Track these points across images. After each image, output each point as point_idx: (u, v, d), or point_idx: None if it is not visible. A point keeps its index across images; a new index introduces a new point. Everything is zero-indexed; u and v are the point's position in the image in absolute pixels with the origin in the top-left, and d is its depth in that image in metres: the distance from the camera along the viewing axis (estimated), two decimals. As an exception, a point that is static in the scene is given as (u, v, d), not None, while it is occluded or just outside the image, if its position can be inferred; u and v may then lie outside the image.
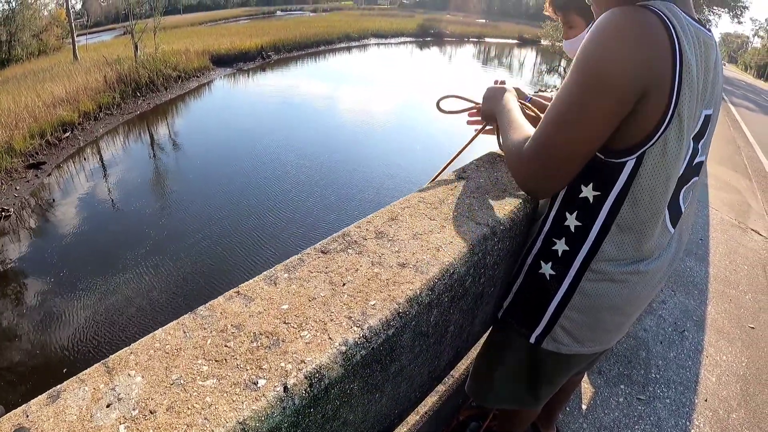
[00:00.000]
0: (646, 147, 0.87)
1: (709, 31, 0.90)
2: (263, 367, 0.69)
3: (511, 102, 1.28)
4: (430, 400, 1.75)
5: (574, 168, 0.95)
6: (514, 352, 1.30)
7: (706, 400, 2.29)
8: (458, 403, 2.01)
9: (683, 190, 0.99)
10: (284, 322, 0.76)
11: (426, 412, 1.72)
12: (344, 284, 0.84)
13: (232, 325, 0.77)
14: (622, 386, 2.35)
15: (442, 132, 12.17)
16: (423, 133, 12.64)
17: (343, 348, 0.72)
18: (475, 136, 1.47)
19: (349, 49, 25.43)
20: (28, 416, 0.63)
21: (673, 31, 0.80)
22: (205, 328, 0.76)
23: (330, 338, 0.73)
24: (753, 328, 2.91)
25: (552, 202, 1.10)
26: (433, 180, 1.34)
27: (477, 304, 1.19)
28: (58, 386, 0.68)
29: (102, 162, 10.82)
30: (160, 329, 0.77)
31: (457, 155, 1.44)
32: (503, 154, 1.19)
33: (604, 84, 0.82)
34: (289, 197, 9.03)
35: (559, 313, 1.11)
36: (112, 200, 9.27)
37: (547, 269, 1.12)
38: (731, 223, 4.46)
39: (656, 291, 1.16)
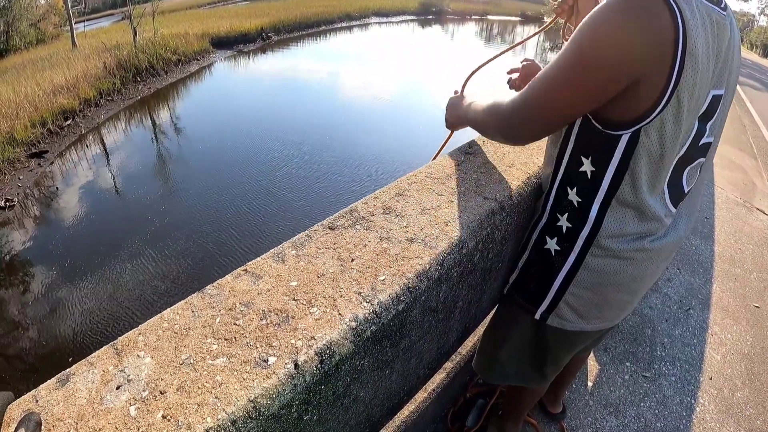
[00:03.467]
0: (641, 124, 0.85)
1: (724, 9, 0.87)
2: (273, 344, 0.68)
3: (462, 104, 1.28)
4: (438, 377, 1.76)
5: (554, 122, 0.96)
6: (520, 328, 1.29)
7: (711, 378, 2.29)
8: (465, 380, 2.02)
9: (687, 170, 0.97)
10: (293, 299, 0.75)
11: (434, 389, 1.73)
12: (353, 260, 0.83)
13: (240, 303, 0.76)
14: (627, 363, 2.35)
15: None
16: (426, 111, 12.52)
17: (354, 324, 0.72)
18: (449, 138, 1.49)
19: (350, 28, 25.10)
20: (37, 401, 0.63)
21: (678, 13, 0.77)
22: (213, 307, 0.75)
23: (340, 314, 0.72)
24: (758, 307, 2.89)
25: (554, 177, 1.08)
26: (434, 158, 1.33)
27: (485, 280, 1.18)
28: (67, 370, 0.67)
29: (104, 148, 10.79)
30: (168, 309, 0.76)
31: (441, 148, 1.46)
32: (482, 132, 1.16)
33: (595, 63, 0.82)
34: (292, 177, 9.00)
35: (564, 289, 1.10)
36: (115, 187, 9.27)
37: (552, 245, 1.10)
38: (736, 201, 4.42)
39: (661, 270, 1.15)
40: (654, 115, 0.83)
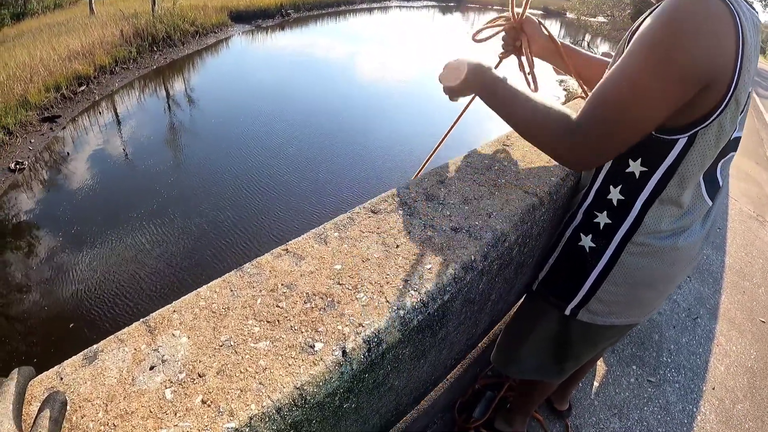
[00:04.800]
0: (700, 127, 0.85)
1: (756, 11, 0.88)
2: (319, 329, 0.66)
3: (493, 72, 1.09)
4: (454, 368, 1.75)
5: (627, 145, 0.89)
6: (547, 323, 1.30)
7: (713, 389, 2.29)
8: (476, 372, 2.02)
9: (720, 164, 0.98)
10: (338, 283, 0.73)
11: (447, 379, 1.73)
12: (398, 246, 0.81)
13: (282, 284, 0.73)
14: (633, 367, 2.36)
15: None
16: (443, 101, 12.41)
17: (402, 312, 0.70)
18: (464, 110, 1.36)
19: (370, 10, 24.81)
20: (62, 379, 0.59)
21: (738, 19, 0.77)
22: (253, 287, 0.73)
23: (387, 301, 0.70)
24: (764, 322, 2.89)
25: (595, 176, 1.08)
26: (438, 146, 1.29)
27: (517, 274, 1.17)
28: (95, 346, 0.63)
29: (117, 116, 10.77)
30: (204, 287, 0.73)
31: (451, 128, 1.35)
32: (518, 128, 1.00)
33: (673, 72, 0.79)
34: (304, 158, 8.95)
35: (598, 285, 1.11)
36: (126, 154, 9.25)
37: (587, 242, 1.10)
38: (749, 214, 4.39)
39: (689, 270, 1.15)
40: (714, 117, 0.84)
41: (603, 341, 1.29)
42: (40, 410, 0.51)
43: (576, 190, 1.21)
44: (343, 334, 0.66)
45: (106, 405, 0.55)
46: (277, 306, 0.70)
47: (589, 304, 1.14)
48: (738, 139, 0.97)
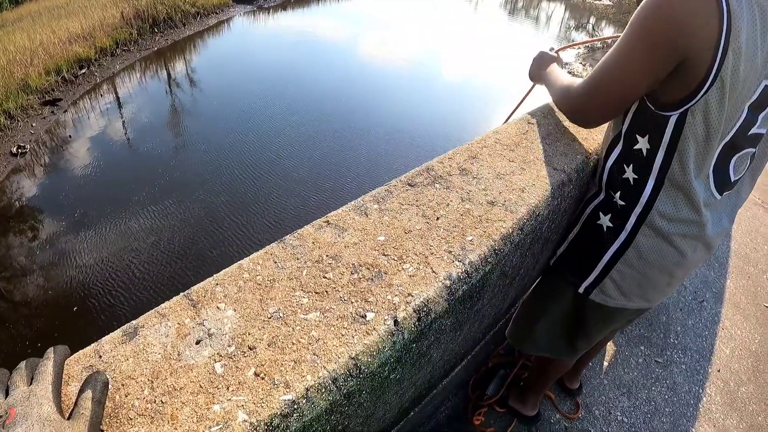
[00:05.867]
0: (688, 105, 0.88)
1: None
2: (369, 299, 0.66)
3: (557, 66, 1.36)
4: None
5: (615, 105, 1.01)
6: (561, 300, 1.32)
7: (719, 371, 2.33)
8: (489, 349, 2.04)
9: (734, 159, 0.99)
10: (383, 254, 0.74)
11: (463, 356, 1.75)
12: (438, 218, 0.82)
13: (327, 255, 0.74)
14: (641, 347, 2.39)
15: (464, 86, 11.84)
16: (451, 85, 12.27)
17: (448, 282, 0.71)
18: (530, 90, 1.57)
19: (373, -10, 24.55)
20: (101, 356, 0.57)
21: (724, 1, 0.79)
22: (297, 258, 0.72)
23: (434, 272, 0.71)
24: (768, 307, 2.92)
25: (611, 155, 1.09)
26: (513, 111, 1.41)
27: (543, 250, 1.18)
28: (133, 322, 0.62)
29: (118, 98, 10.69)
30: (246, 258, 0.72)
31: (520, 104, 1.56)
32: (555, 103, 1.24)
33: (649, 41, 0.87)
34: (307, 140, 8.90)
35: (612, 265, 1.13)
36: (127, 137, 9.21)
37: (605, 221, 1.12)
38: (755, 201, 4.39)
39: (704, 260, 1.17)
40: (699, 96, 0.86)
41: (614, 323, 1.32)
42: (81, 391, 0.49)
43: (596, 169, 1.23)
44: (394, 304, 0.66)
45: (152, 382, 0.54)
46: (324, 277, 0.70)
47: (603, 284, 1.16)
48: (759, 135, 0.97)
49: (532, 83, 1.48)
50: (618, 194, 1.08)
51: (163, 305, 0.64)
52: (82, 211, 7.01)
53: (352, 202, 0.85)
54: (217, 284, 0.68)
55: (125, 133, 9.35)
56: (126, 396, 0.52)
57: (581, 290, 1.20)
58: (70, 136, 9.02)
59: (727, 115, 0.88)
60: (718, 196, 1.03)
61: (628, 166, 1.04)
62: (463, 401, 1.94)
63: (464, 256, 0.74)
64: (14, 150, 8.15)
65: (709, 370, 2.33)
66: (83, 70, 10.88)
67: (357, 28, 17.23)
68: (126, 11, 12.94)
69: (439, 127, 9.57)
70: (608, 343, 2.37)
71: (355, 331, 0.62)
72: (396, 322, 0.64)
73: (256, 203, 7.05)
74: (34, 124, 9.00)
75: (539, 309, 1.42)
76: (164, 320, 0.61)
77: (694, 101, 0.87)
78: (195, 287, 0.67)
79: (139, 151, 8.65)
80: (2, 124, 8.47)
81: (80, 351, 0.58)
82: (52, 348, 0.53)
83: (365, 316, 0.64)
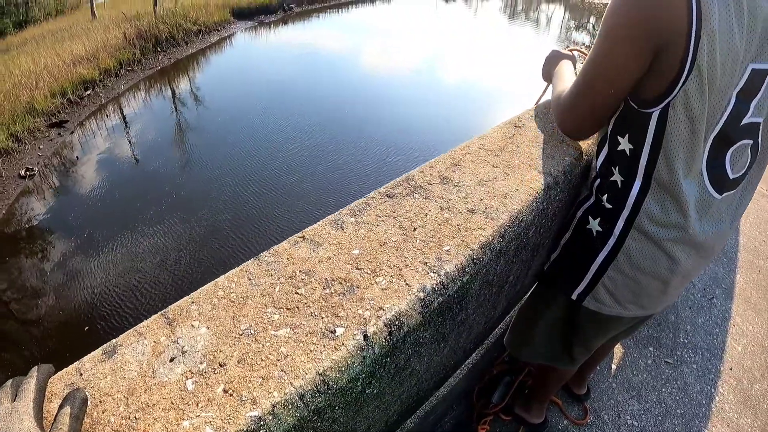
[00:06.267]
0: (668, 99, 0.85)
1: None
2: (340, 314, 0.66)
3: (566, 65, 1.33)
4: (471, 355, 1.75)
5: (601, 112, 0.99)
6: (555, 307, 1.29)
7: (731, 369, 2.27)
8: (493, 356, 2.01)
9: (729, 153, 0.93)
10: (357, 268, 0.73)
11: (465, 365, 1.72)
12: (415, 229, 0.81)
13: (300, 271, 0.73)
14: (650, 348, 2.35)
15: (469, 91, 11.83)
16: (447, 92, 12.30)
17: (422, 294, 0.69)
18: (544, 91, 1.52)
19: (372, 0, 24.69)
20: (81, 374, 0.59)
21: None
22: (271, 275, 0.72)
23: (407, 284, 0.70)
24: (780, 301, 2.86)
25: (599, 156, 1.07)
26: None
27: (533, 256, 1.16)
28: (114, 340, 0.63)
29: (124, 118, 10.83)
30: (222, 276, 0.73)
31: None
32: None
33: (623, 34, 0.85)
34: (311, 153, 8.93)
35: (603, 271, 1.09)
36: (134, 157, 9.30)
37: (594, 225, 1.08)
38: (762, 193, 4.32)
39: (703, 265, 1.12)
40: (678, 88, 0.82)
41: (612, 331, 1.27)
42: (61, 407, 0.51)
43: (589, 170, 1.21)
44: (364, 318, 0.65)
45: (127, 399, 0.55)
46: (296, 293, 0.70)
47: (595, 291, 1.12)
48: (755, 125, 0.91)
49: (546, 84, 1.45)
50: (605, 197, 1.05)
51: (141, 324, 0.66)
52: (90, 231, 7.08)
53: (330, 216, 0.84)
54: (192, 302, 0.68)
55: (132, 153, 9.45)
56: (103, 412, 0.54)
57: (574, 297, 1.17)
58: (77, 158, 9.13)
59: (711, 105, 0.84)
60: (718, 196, 0.97)
61: (614, 168, 1.01)
62: (467, 410, 1.92)
63: (440, 267, 0.73)
64: (23, 172, 8.26)
65: (721, 369, 2.28)
66: (88, 92, 11.04)
67: (357, 38, 17.36)
68: (128, 32, 13.13)
69: (446, 134, 9.55)
70: (616, 345, 2.33)
71: (324, 346, 0.61)
72: (366, 337, 0.63)
73: (260, 219, 7.08)
74: (41, 147, 9.12)
75: (535, 316, 1.39)
76: (141, 338, 0.63)
77: (673, 94, 0.83)
78: (172, 306, 0.68)
79: (146, 170, 8.73)
80: (10, 147, 8.59)
81: (63, 370, 0.59)
82: (36, 367, 0.56)
83: (335, 331, 0.63)
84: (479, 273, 0.80)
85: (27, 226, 7.42)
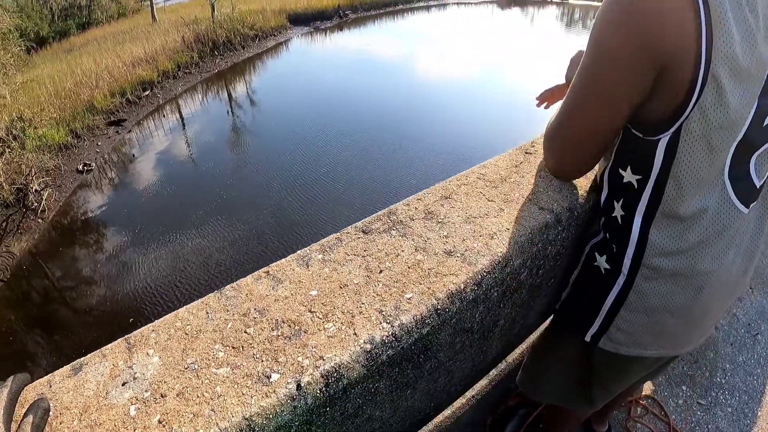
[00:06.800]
0: (680, 121, 0.74)
1: None
2: (279, 359, 0.64)
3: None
4: (479, 384, 1.67)
5: (594, 148, 0.88)
6: (568, 348, 1.18)
7: None
8: (509, 387, 1.92)
9: (754, 159, 0.81)
10: (310, 311, 0.70)
11: (473, 396, 1.65)
12: (381, 271, 0.76)
13: (255, 309, 0.71)
14: (683, 387, 2.18)
15: (520, 103, 11.55)
16: (503, 100, 12.04)
17: (368, 347, 0.65)
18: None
19: (428, 8, 24.59)
20: (51, 386, 0.63)
21: None
22: (228, 311, 0.72)
23: (355, 334, 0.66)
24: (832, 341, 2.61)
25: (601, 190, 0.98)
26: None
27: (533, 297, 1.08)
28: (82, 359, 0.67)
29: (180, 119, 11.25)
30: (184, 308, 0.74)
31: None
32: None
33: (613, 55, 0.74)
34: (363, 159, 8.95)
35: (615, 312, 0.98)
36: (189, 157, 9.63)
37: (602, 262, 0.99)
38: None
39: (734, 293, 0.99)
40: (691, 107, 0.71)
41: (634, 373, 1.15)
42: (25, 415, 0.56)
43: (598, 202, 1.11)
44: (302, 367, 0.63)
45: (81, 414, 0.59)
46: (245, 332, 0.69)
47: (610, 332, 1.02)
48: None
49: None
50: (608, 234, 0.96)
51: (107, 346, 0.69)
52: (140, 227, 7.36)
53: (299, 252, 0.81)
54: (153, 330, 0.71)
55: (185, 153, 9.79)
56: (60, 424, 0.58)
57: (588, 339, 1.07)
58: (133, 155, 9.54)
59: (733, 114, 0.72)
60: (745, 209, 0.85)
61: (618, 202, 0.92)
62: (478, 443, 1.84)
63: (395, 317, 0.68)
64: (80, 167, 8.70)
65: (759, 414, 2.09)
66: (146, 92, 11.54)
67: (411, 44, 17.35)
68: (187, 35, 13.64)
69: (500, 141, 9.32)
70: (647, 382, 2.19)
71: (256, 391, 0.61)
72: (299, 387, 0.61)
73: (302, 226, 7.16)
74: (99, 143, 9.59)
75: (548, 357, 1.30)
76: (104, 360, 0.66)
77: (685, 115, 0.73)
78: (135, 332, 0.71)
79: (198, 171, 9.01)
80: (69, 142, 9.07)
81: (37, 380, 0.64)
82: (12, 376, 0.61)
83: (270, 376, 0.62)
84: (446, 323, 0.74)
85: (82, 218, 7.81)
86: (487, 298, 0.82)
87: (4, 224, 7.02)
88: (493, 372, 1.73)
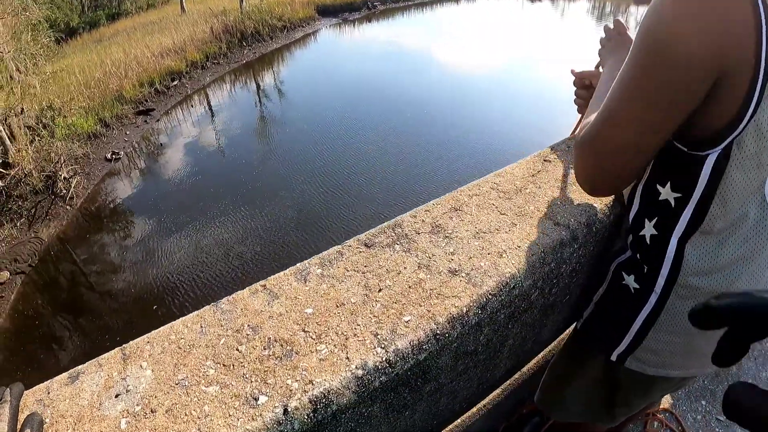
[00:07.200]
0: (732, 136, 0.67)
1: None
2: (268, 381, 0.62)
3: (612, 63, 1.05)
4: (492, 392, 1.63)
5: (635, 163, 0.77)
6: (591, 367, 1.14)
7: None
8: (523, 396, 1.87)
9: None
10: (303, 330, 0.67)
11: (484, 405, 1.61)
12: (380, 290, 0.72)
13: (248, 325, 0.69)
14: (703, 402, 2.10)
15: (551, 98, 11.29)
16: (534, 95, 11.74)
17: (360, 372, 0.62)
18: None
19: (457, 0, 24.38)
20: (49, 393, 0.64)
21: None
22: (222, 326, 0.70)
23: (348, 358, 0.63)
24: None
25: (630, 206, 0.91)
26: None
27: (546, 315, 1.03)
28: (79, 367, 0.67)
29: (208, 109, 11.35)
30: (179, 320, 0.73)
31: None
32: None
33: (668, 61, 0.64)
34: (389, 153, 8.89)
35: (645, 332, 0.93)
36: (216, 147, 9.70)
37: (630, 281, 0.93)
38: None
39: None
40: (746, 121, 0.65)
41: (658, 391, 1.11)
42: (23, 428, 0.57)
43: (622, 218, 1.05)
44: (290, 390, 0.61)
45: (75, 424, 0.59)
46: (237, 349, 0.67)
47: (637, 352, 0.97)
48: None
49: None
50: (639, 255, 0.89)
51: (103, 356, 0.69)
52: (165, 216, 7.47)
53: (297, 265, 0.78)
54: (148, 342, 0.70)
55: (212, 143, 9.87)
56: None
57: (613, 358, 1.02)
58: (161, 144, 9.67)
59: None
60: None
61: (650, 221, 0.85)
62: (488, 451, 1.80)
63: (390, 342, 0.65)
64: (109, 156, 8.86)
65: (780, 432, 2.02)
66: (175, 82, 11.67)
67: (439, 36, 17.14)
68: (215, 26, 13.74)
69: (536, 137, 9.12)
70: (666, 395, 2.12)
71: (243, 413, 0.59)
72: (286, 411, 0.59)
73: (323, 219, 7.14)
74: (127, 132, 9.74)
75: (568, 375, 1.24)
76: (100, 370, 0.66)
77: (739, 129, 0.66)
78: (131, 342, 0.71)
79: (224, 161, 9.09)
80: (98, 131, 9.24)
81: (36, 386, 0.65)
82: (8, 390, 0.61)
83: (258, 399, 0.60)
84: (447, 348, 0.71)
85: (109, 205, 7.95)
86: (493, 321, 0.78)
87: (33, 210, 7.21)
88: (506, 382, 1.69)
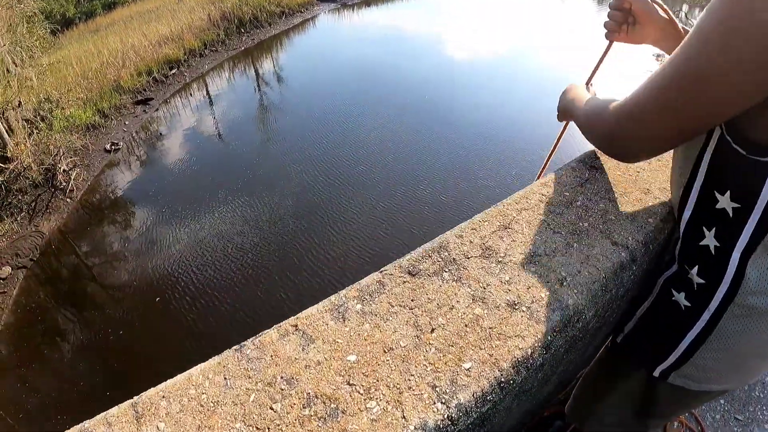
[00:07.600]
0: None
1: None
2: None
3: (582, 90, 1.09)
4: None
5: (685, 130, 0.69)
6: (629, 381, 1.08)
7: None
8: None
9: None
10: (348, 383, 0.58)
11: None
12: (433, 330, 0.63)
13: (282, 377, 0.60)
14: (722, 401, 2.08)
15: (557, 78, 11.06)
16: (544, 88, 11.52)
17: (420, 435, 0.53)
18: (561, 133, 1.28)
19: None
20: None
21: None
22: (250, 377, 0.61)
23: (404, 417, 0.54)
24: None
25: (682, 214, 0.82)
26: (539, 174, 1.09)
27: (594, 337, 0.95)
28: (86, 423, 0.59)
29: (207, 97, 11.19)
30: (198, 368, 0.64)
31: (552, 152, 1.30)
32: (585, 135, 0.90)
33: (739, 37, 0.56)
34: (391, 140, 8.76)
35: (694, 350, 0.86)
36: (216, 136, 9.58)
37: (680, 299, 0.85)
38: None
39: None
40: None
41: (699, 403, 1.08)
42: None
43: (674, 230, 0.96)
44: None
45: None
46: (271, 408, 0.57)
47: (682, 369, 0.91)
48: None
49: (563, 123, 1.21)
50: (695, 269, 0.81)
51: (111, 412, 0.61)
52: (164, 207, 7.38)
53: (332, 298, 0.69)
54: (163, 396, 0.62)
55: (212, 132, 9.75)
56: None
57: (656, 374, 0.96)
58: (160, 134, 9.54)
59: None
60: None
61: (709, 230, 0.77)
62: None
63: (452, 395, 0.56)
64: (108, 146, 8.74)
65: (798, 430, 1.99)
66: (173, 71, 11.49)
67: (444, 21, 16.85)
68: (213, 13, 13.53)
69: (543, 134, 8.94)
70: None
71: None
72: None
73: (322, 208, 7.03)
74: (126, 122, 9.60)
75: (605, 388, 1.19)
76: (110, 429, 0.58)
77: None
78: (143, 396, 0.63)
79: (224, 150, 8.97)
80: (97, 122, 9.11)
81: None
82: None
83: None
84: (509, 394, 0.62)
85: (110, 197, 7.86)
86: (554, 357, 0.70)
87: (33, 204, 7.11)
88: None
